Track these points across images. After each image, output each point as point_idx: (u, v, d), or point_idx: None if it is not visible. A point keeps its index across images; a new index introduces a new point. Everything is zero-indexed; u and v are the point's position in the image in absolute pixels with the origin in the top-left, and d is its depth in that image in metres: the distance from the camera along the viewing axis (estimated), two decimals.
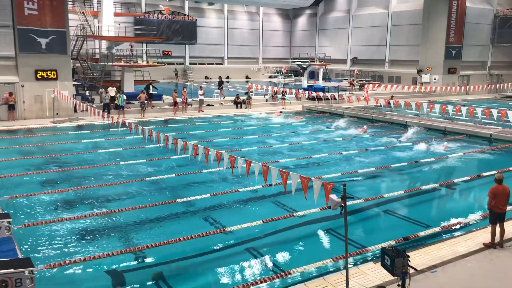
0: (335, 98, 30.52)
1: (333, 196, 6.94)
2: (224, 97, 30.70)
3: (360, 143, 19.36)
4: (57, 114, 23.41)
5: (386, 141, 19.66)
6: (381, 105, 26.74)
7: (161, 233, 9.69)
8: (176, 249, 8.79)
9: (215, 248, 9.11)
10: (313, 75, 54.39)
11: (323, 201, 8.12)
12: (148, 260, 8.60)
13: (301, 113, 28.51)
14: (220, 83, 31.85)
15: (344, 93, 34.30)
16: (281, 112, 28.12)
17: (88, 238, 9.42)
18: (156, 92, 29.23)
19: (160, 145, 14.78)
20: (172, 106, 26.82)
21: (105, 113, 19.02)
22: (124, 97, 24.88)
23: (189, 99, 27.89)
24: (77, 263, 8.16)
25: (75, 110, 23.94)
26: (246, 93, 30.47)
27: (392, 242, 9.07)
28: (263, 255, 8.94)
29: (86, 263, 8.22)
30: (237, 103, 29.93)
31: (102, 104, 24.95)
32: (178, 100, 26.92)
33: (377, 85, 33.35)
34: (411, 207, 11.98)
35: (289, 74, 55.27)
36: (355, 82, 41.21)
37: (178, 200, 11.44)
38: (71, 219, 10.05)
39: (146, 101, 25.72)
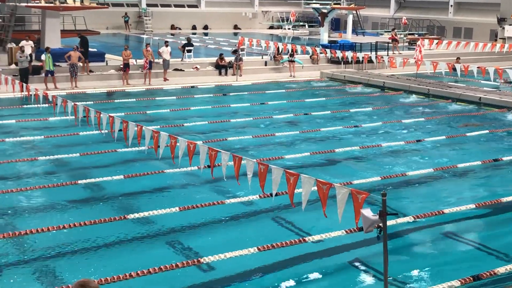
0: (371, 61, 30.52)
1: (367, 212, 6.95)
2: (182, 60, 30.55)
3: (412, 131, 19.44)
4: None
5: (450, 128, 19.75)
6: (442, 72, 26.80)
7: (101, 266, 9.69)
8: None
9: None
10: (337, 26, 54.41)
11: (352, 219, 8.12)
12: None
13: (318, 84, 28.53)
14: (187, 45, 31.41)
15: (385, 53, 34.33)
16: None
17: None
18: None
19: (102, 131, 14.76)
20: (121, 71, 26.75)
21: (18, 83, 18.92)
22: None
23: (156, 60, 27.54)
24: None
25: None
26: (235, 52, 30.43)
27: (457, 283, 9.12)
28: None
29: None
30: (221, 68, 29.90)
31: (18, 68, 24.72)
32: (132, 62, 26.85)
33: (436, 41, 33.36)
34: (486, 229, 12.03)
35: (301, 24, 55.23)
36: (400, 36, 41.18)
37: (129, 216, 11.45)
38: None
39: (79, 64, 25.60)
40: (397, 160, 16.06)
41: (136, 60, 27.66)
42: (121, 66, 26.68)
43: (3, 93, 21.71)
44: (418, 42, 30.26)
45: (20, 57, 24.03)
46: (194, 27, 53.92)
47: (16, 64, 25.19)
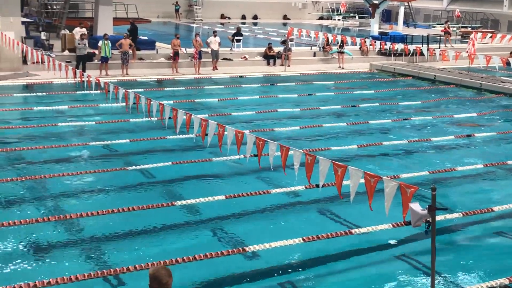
0: (422, 54, 30.04)
1: (416, 206, 6.86)
2: (231, 49, 30.51)
3: (462, 126, 19.13)
4: None
5: (500, 125, 19.34)
6: (495, 66, 26.16)
7: (147, 251, 9.81)
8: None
9: (228, 277, 9.17)
10: (389, 17, 53.69)
11: (399, 213, 8.03)
12: None
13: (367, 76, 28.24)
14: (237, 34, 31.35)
15: (436, 46, 33.72)
16: None
17: (40, 254, 9.64)
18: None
19: (152, 119, 14.92)
20: (171, 59, 26.98)
21: (72, 69, 19.22)
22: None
23: (204, 49, 27.60)
24: None
25: (25, 61, 24.32)
26: (284, 42, 30.35)
27: (505, 281, 8.96)
28: None
29: None
30: (269, 58, 29.87)
31: (72, 54, 25.18)
32: (181, 51, 27.05)
33: (490, 35, 32.60)
34: None
35: (351, 15, 54.70)
36: (452, 29, 40.35)
37: (177, 202, 11.57)
38: (13, 225, 10.27)
39: (130, 51, 25.91)
40: (446, 155, 15.81)
41: (185, 49, 27.84)
42: (171, 55, 26.91)
43: (57, 79, 22.14)
44: (471, 36, 29.62)
45: (79, 44, 24.49)
46: (243, 17, 54.00)
47: (71, 50, 25.73)
